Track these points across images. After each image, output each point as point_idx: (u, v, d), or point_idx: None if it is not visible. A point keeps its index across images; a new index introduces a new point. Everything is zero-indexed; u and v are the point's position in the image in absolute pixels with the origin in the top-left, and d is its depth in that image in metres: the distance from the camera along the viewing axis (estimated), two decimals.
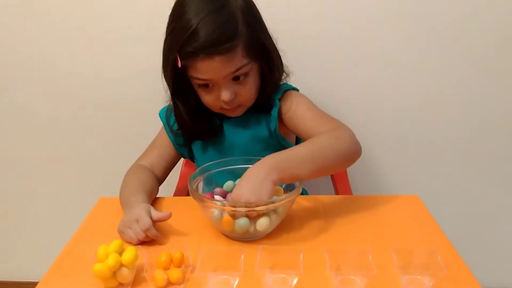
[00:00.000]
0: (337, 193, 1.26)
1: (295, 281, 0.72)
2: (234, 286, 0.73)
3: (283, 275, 0.73)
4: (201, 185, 0.95)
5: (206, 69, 0.93)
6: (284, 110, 1.05)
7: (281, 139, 1.07)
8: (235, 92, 0.98)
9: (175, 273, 0.73)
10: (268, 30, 1.02)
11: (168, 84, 1.02)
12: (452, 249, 0.82)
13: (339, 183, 1.28)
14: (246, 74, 0.97)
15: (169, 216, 0.87)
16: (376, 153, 1.42)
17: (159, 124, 1.14)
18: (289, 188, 0.91)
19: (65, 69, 1.38)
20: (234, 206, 0.81)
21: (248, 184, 0.82)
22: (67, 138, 1.47)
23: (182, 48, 0.92)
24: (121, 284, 0.74)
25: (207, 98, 1.00)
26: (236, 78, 0.97)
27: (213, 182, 0.96)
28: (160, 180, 1.11)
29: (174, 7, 0.96)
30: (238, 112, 1.04)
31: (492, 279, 1.51)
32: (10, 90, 1.42)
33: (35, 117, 1.44)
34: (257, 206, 0.80)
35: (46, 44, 1.35)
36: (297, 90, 1.11)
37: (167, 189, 1.18)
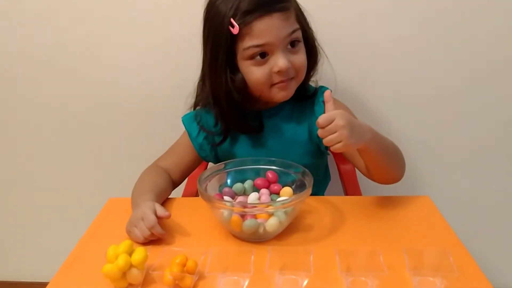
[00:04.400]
0: (346, 194, 1.25)
1: (305, 282, 0.72)
2: (244, 287, 0.72)
3: (293, 276, 0.73)
4: (210, 185, 0.94)
5: (264, 30, 0.92)
6: None
7: (320, 142, 1.01)
8: (290, 61, 0.96)
9: (187, 280, 0.73)
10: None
11: (216, 58, 0.96)
12: (464, 250, 0.81)
13: (348, 183, 1.27)
14: (298, 40, 0.98)
15: (168, 216, 0.87)
16: None
17: (169, 126, 1.12)
18: (299, 189, 0.91)
19: (80, 70, 1.38)
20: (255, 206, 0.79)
21: (350, 117, 0.83)
22: (77, 139, 1.47)
23: (237, 9, 0.91)
24: (131, 284, 0.74)
25: (259, 73, 0.96)
26: (291, 44, 0.96)
27: (222, 183, 0.96)
28: (176, 183, 1.11)
29: None
30: (290, 89, 1.00)
31: (505, 280, 1.50)
32: (22, 89, 1.43)
33: (45, 117, 1.45)
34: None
35: (62, 45, 1.36)
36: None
37: (176, 189, 1.18)
